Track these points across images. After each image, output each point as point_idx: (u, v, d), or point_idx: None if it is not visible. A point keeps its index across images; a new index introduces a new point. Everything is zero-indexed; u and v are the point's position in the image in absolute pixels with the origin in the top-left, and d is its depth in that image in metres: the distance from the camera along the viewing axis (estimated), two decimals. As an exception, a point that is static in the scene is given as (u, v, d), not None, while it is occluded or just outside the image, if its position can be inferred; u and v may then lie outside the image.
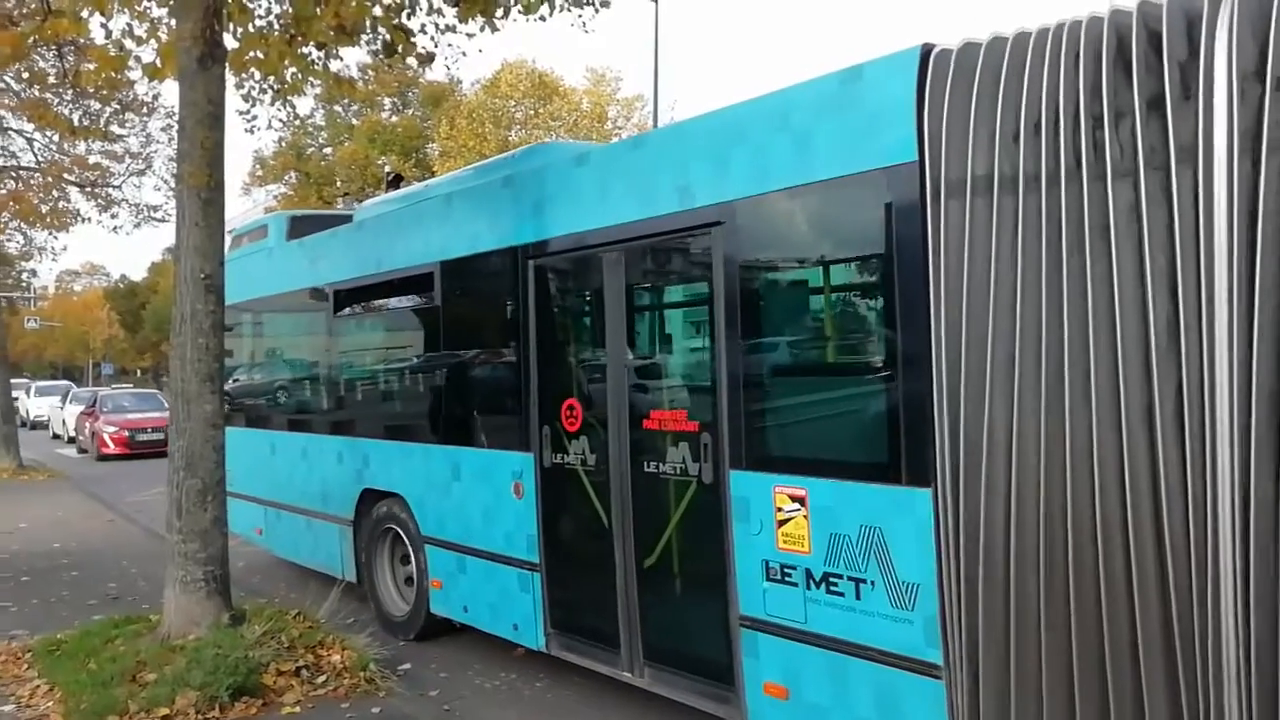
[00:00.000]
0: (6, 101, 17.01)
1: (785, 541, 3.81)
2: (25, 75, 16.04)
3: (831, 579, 3.65)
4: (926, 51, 3.34)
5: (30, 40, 7.56)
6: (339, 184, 33.65)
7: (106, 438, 19.65)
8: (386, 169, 29.93)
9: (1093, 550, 2.95)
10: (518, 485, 5.14)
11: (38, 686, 5.06)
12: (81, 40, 11.48)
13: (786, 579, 3.81)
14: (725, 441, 4.03)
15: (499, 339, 5.38)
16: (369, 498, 6.46)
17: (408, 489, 6.04)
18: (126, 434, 19.77)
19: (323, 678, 4.98)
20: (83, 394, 26.64)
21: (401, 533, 6.21)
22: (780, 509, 3.82)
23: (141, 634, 5.39)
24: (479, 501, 5.43)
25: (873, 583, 3.51)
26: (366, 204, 7.10)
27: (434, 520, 5.83)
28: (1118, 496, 2.91)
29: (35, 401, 32.50)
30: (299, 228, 7.52)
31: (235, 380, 8.50)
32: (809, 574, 3.72)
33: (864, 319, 3.77)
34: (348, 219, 7.36)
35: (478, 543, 5.45)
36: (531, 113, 30.55)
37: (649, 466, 4.43)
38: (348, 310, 6.84)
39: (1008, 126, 3.14)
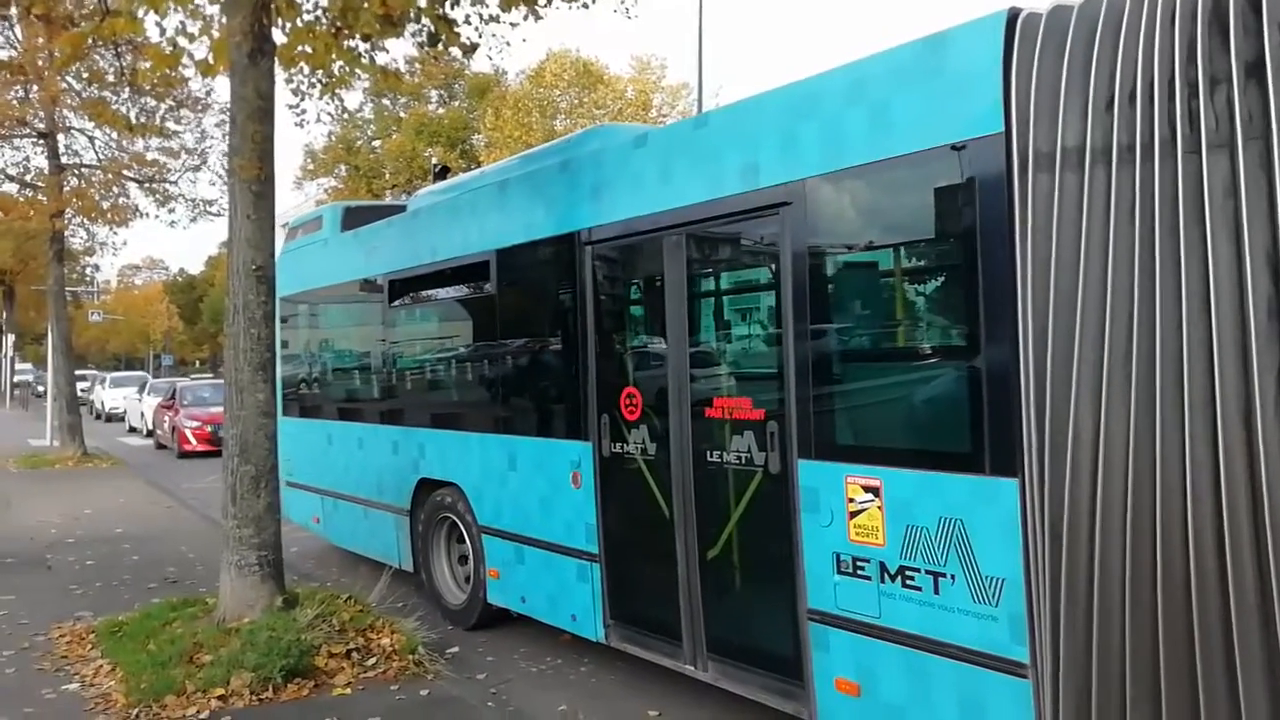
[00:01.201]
0: (69, 101, 17.15)
1: (858, 533, 3.64)
2: (85, 75, 16.37)
3: (908, 572, 3.48)
4: (1014, 15, 3.14)
5: (89, 40, 7.68)
6: (387, 176, 33.92)
7: (188, 433, 18.15)
8: (434, 161, 30.03)
9: (1183, 548, 2.76)
10: (576, 475, 5.03)
11: (100, 666, 5.15)
12: (138, 39, 11.62)
13: (859, 572, 3.64)
14: (793, 430, 3.87)
15: (556, 327, 5.27)
16: (425, 487, 6.41)
17: (464, 478, 5.97)
18: (210, 429, 17.81)
19: (372, 660, 5.01)
20: (160, 385, 24.34)
21: (458, 522, 6.14)
22: (852, 500, 3.65)
23: (198, 616, 5.49)
24: (536, 491, 5.33)
25: (953, 577, 3.33)
26: (420, 193, 7.05)
27: (491, 510, 5.75)
28: (1211, 491, 2.71)
29: (110, 393, 30.74)
30: (353, 219, 7.48)
31: (292, 371, 8.53)
32: (883, 567, 3.56)
33: (944, 301, 3.58)
34: (401, 210, 7.31)
35: (535, 532, 5.36)
36: (576, 102, 30.45)
37: (712, 456, 4.28)
38: (403, 300, 6.78)
39: (1100, 95, 2.93)
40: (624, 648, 4.86)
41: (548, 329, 5.37)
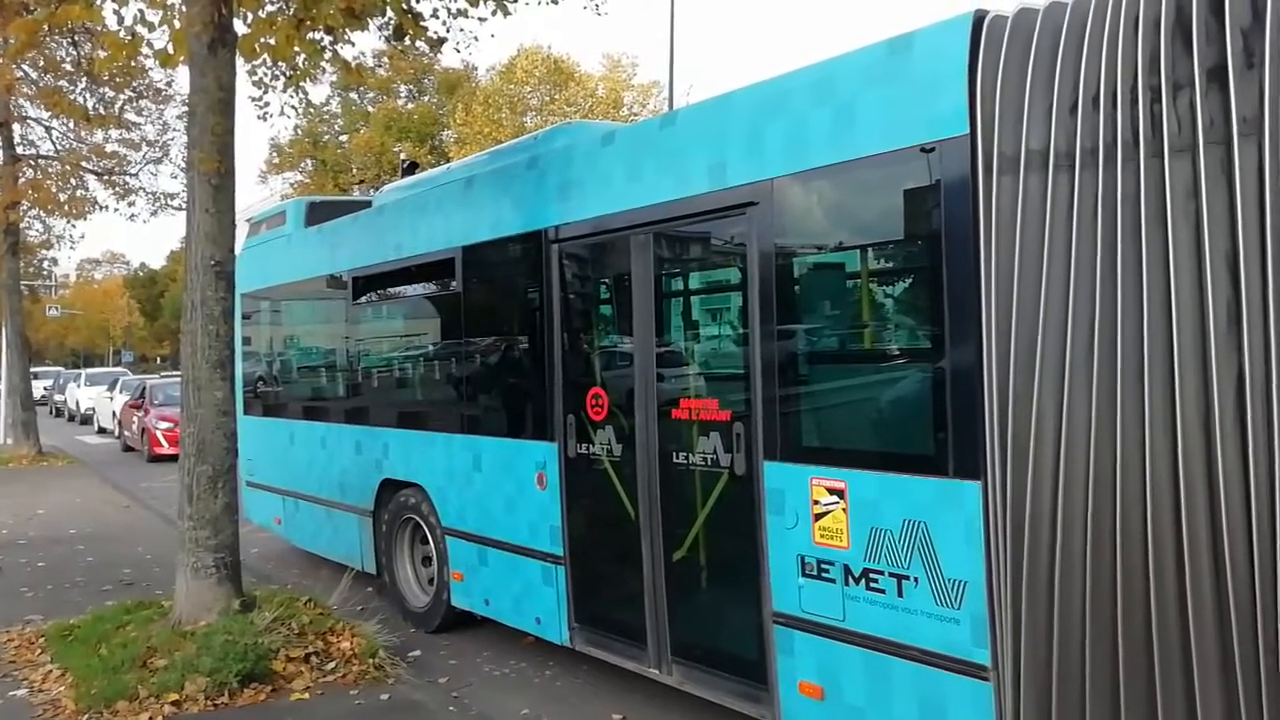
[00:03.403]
0: (25, 90, 16.89)
1: (822, 536, 3.64)
2: (41, 63, 16.05)
3: (872, 575, 3.48)
4: (980, 18, 3.15)
5: (44, 28, 7.60)
6: (355, 172, 33.59)
7: (159, 434, 16.58)
8: (402, 156, 29.79)
9: (1142, 551, 2.79)
10: (541, 476, 4.99)
11: (50, 671, 5.04)
12: (95, 27, 11.38)
13: (823, 575, 3.64)
14: (759, 432, 3.86)
15: (522, 326, 5.23)
16: (388, 488, 6.34)
17: (428, 479, 5.91)
18: None
19: (332, 664, 4.94)
20: (131, 382, 22.55)
21: (422, 524, 6.08)
22: (817, 502, 3.65)
23: (153, 620, 5.39)
24: (501, 492, 5.29)
25: (916, 579, 3.34)
26: (386, 189, 6.97)
27: (455, 511, 5.70)
28: (1170, 493, 2.75)
29: (85, 392, 27.74)
30: (317, 214, 7.38)
31: (253, 369, 8.40)
32: (848, 570, 3.56)
33: (909, 303, 3.59)
34: (366, 205, 7.22)
35: (500, 534, 5.32)
36: (547, 99, 30.34)
37: (678, 457, 4.27)
38: (367, 297, 6.71)
39: (1064, 98, 2.96)
40: (589, 651, 4.84)
41: (514, 328, 5.34)
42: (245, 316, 8.36)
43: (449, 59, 37.90)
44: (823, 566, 3.64)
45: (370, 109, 33.94)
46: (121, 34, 5.28)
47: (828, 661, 3.65)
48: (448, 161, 23.24)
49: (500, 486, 5.29)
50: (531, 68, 29.99)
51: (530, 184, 5.10)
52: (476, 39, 6.91)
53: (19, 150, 17.85)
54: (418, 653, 5.57)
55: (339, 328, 6.96)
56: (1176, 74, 2.74)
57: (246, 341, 8.43)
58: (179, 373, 5.67)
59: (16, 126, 17.56)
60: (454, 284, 5.65)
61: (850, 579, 3.55)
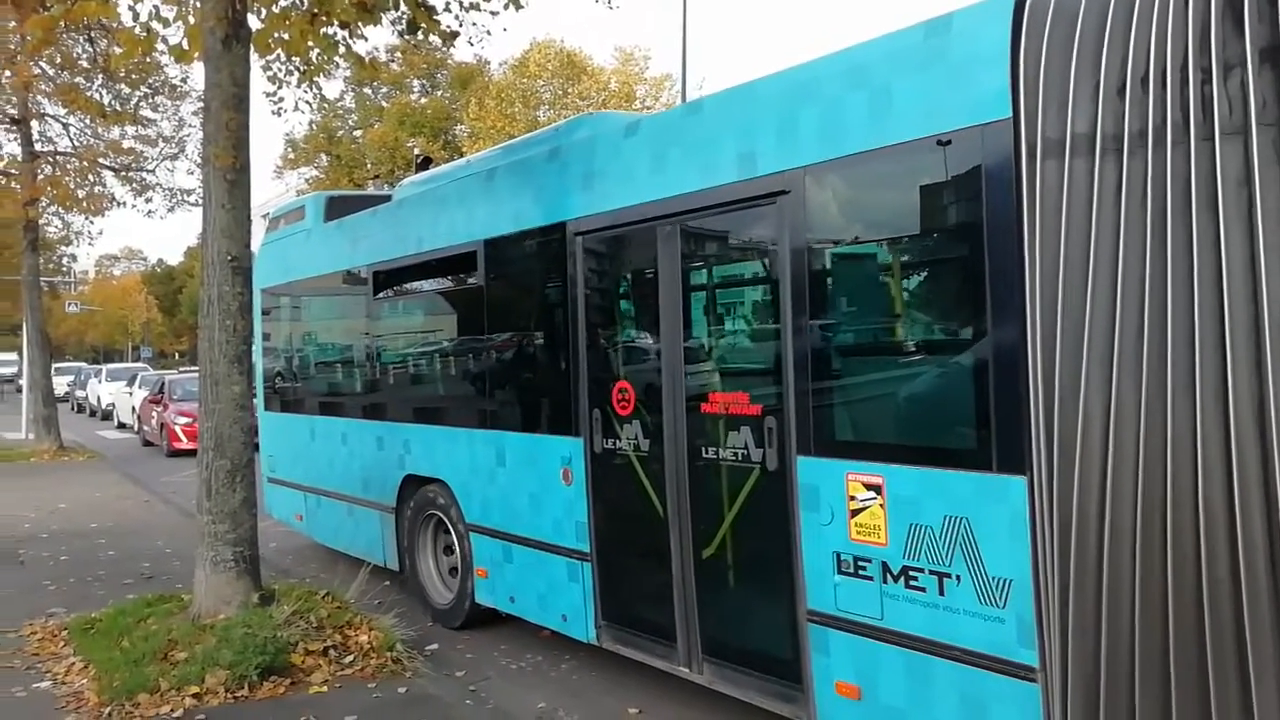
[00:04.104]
0: (43, 87, 16.82)
1: (859, 532, 3.54)
2: (58, 60, 16.05)
3: (911, 573, 3.38)
4: None
5: (61, 24, 7.56)
6: (369, 167, 33.55)
7: (178, 430, 16.55)
8: (416, 151, 29.74)
9: (1194, 548, 2.68)
10: (566, 471, 4.90)
11: (73, 664, 5.05)
12: (110, 24, 11.37)
13: (860, 572, 3.54)
14: (792, 426, 3.76)
15: (546, 319, 5.14)
16: (411, 484, 6.27)
17: (451, 475, 5.83)
18: None
19: (350, 657, 4.94)
20: (150, 378, 22.54)
21: (445, 520, 6.01)
22: (853, 498, 3.55)
23: (173, 613, 5.39)
24: (526, 488, 5.20)
25: (958, 577, 3.24)
26: (405, 183, 6.88)
27: (479, 507, 5.62)
28: (1224, 487, 2.63)
29: (107, 387, 27.29)
30: (336, 209, 7.31)
31: (274, 364, 8.34)
32: (885, 567, 3.46)
33: (948, 293, 3.47)
34: (385, 199, 7.14)
35: (525, 531, 5.23)
36: (560, 93, 30.23)
37: (707, 452, 4.17)
38: (388, 292, 6.62)
39: (1111, 80, 2.83)
40: (616, 649, 4.75)
41: (537, 321, 5.24)
42: (264, 312, 8.30)
43: (462, 53, 37.83)
44: (859, 564, 3.54)
45: (384, 104, 33.89)
46: (137, 30, 5.27)
47: (865, 661, 3.55)
48: (461, 156, 23.14)
49: (525, 482, 5.21)
50: (544, 61, 29.86)
51: (553, 176, 5.00)
52: (489, 33, 6.90)
53: (37, 147, 17.75)
54: (435, 646, 5.55)
55: (359, 323, 6.88)
56: (1227, 54, 2.63)
57: (266, 337, 8.38)
58: (197, 368, 5.63)
59: (35, 123, 17.51)
60: (476, 278, 5.56)
61: (889, 577, 3.45)
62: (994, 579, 3.14)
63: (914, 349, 3.53)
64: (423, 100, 33.96)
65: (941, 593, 3.29)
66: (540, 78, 30.13)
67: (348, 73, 24.60)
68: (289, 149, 35.39)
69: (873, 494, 3.49)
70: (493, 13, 6.00)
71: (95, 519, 9.82)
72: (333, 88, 36.30)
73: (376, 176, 32.32)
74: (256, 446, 5.86)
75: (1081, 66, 2.89)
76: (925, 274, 3.59)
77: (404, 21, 5.76)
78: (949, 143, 3.22)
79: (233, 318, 5.25)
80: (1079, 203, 2.90)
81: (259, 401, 8.43)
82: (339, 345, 7.46)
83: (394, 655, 5.00)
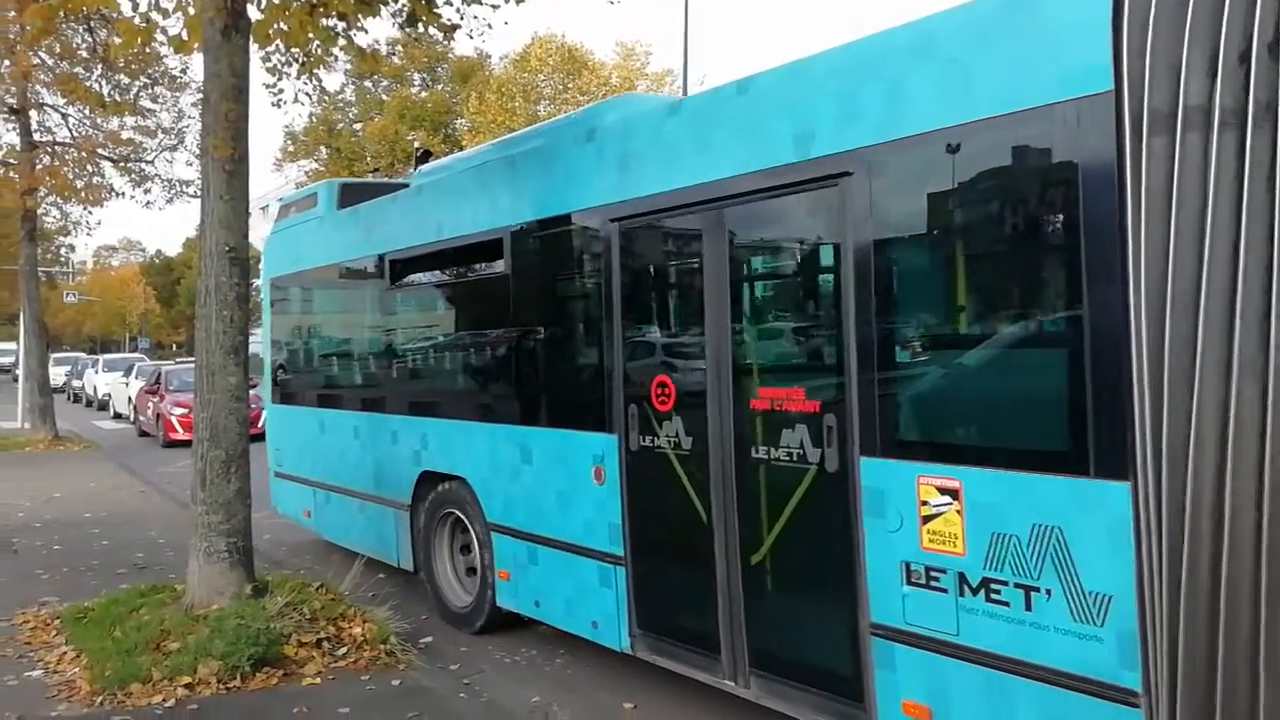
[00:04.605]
0: (42, 77, 16.62)
1: (931, 540, 3.23)
2: (57, 49, 15.76)
3: (993, 586, 3.07)
4: None
5: (60, 14, 7.39)
6: (369, 160, 33.09)
7: (174, 420, 16.28)
8: (416, 145, 29.31)
9: None
10: (598, 470, 4.58)
11: (65, 653, 4.97)
12: (110, 14, 11.13)
13: (933, 584, 3.23)
14: (854, 425, 3.44)
15: (578, 310, 4.81)
16: (427, 480, 5.93)
17: (472, 472, 5.50)
18: None
19: (343, 650, 4.86)
20: (147, 368, 22.17)
21: (464, 518, 5.67)
22: (925, 503, 3.23)
23: (166, 603, 5.33)
24: (553, 487, 4.87)
25: (1049, 592, 2.92)
26: (424, 168, 6.54)
27: (501, 506, 5.28)
28: None
29: (104, 378, 26.92)
30: (349, 196, 6.95)
31: (282, 356, 7.98)
32: (963, 579, 3.14)
33: (1038, 278, 3.15)
34: (399, 187, 6.81)
35: (552, 532, 4.90)
36: (560, 87, 29.86)
37: (757, 451, 3.85)
38: (405, 281, 6.26)
39: (1233, 46, 2.52)
40: (652, 659, 4.43)
41: (568, 313, 4.92)
42: (273, 302, 7.94)
43: (462, 47, 37.28)
44: (932, 574, 3.23)
45: (384, 97, 33.41)
46: (136, 20, 5.18)
47: (937, 679, 3.24)
48: (461, 150, 22.68)
49: (552, 480, 4.88)
50: (545, 56, 29.50)
51: (587, 159, 4.67)
52: (490, 26, 6.84)
53: (36, 137, 17.28)
54: (429, 639, 5.42)
55: (375, 313, 6.54)
56: None
57: (274, 328, 8.03)
58: (194, 359, 5.53)
59: (34, 113, 17.16)
60: (501, 267, 5.21)
61: (966, 589, 3.14)
62: (1091, 594, 2.83)
63: (998, 341, 3.21)
64: (423, 94, 33.49)
65: (1028, 608, 2.97)
66: (541, 72, 29.77)
67: (348, 65, 24.16)
68: (289, 141, 34.90)
69: (948, 499, 3.18)
70: (493, 6, 5.91)
71: (90, 509, 9.66)
72: (333, 80, 35.83)
73: (376, 170, 31.87)
74: (254, 438, 5.67)
75: (1197, 33, 2.58)
76: (1009, 258, 3.25)
77: (404, 14, 5.65)
78: (1037, 118, 2.91)
79: (230, 308, 5.17)
80: (1192, 182, 2.59)
81: (265, 394, 8.07)
82: (352, 336, 7.11)
83: (388, 648, 4.91)
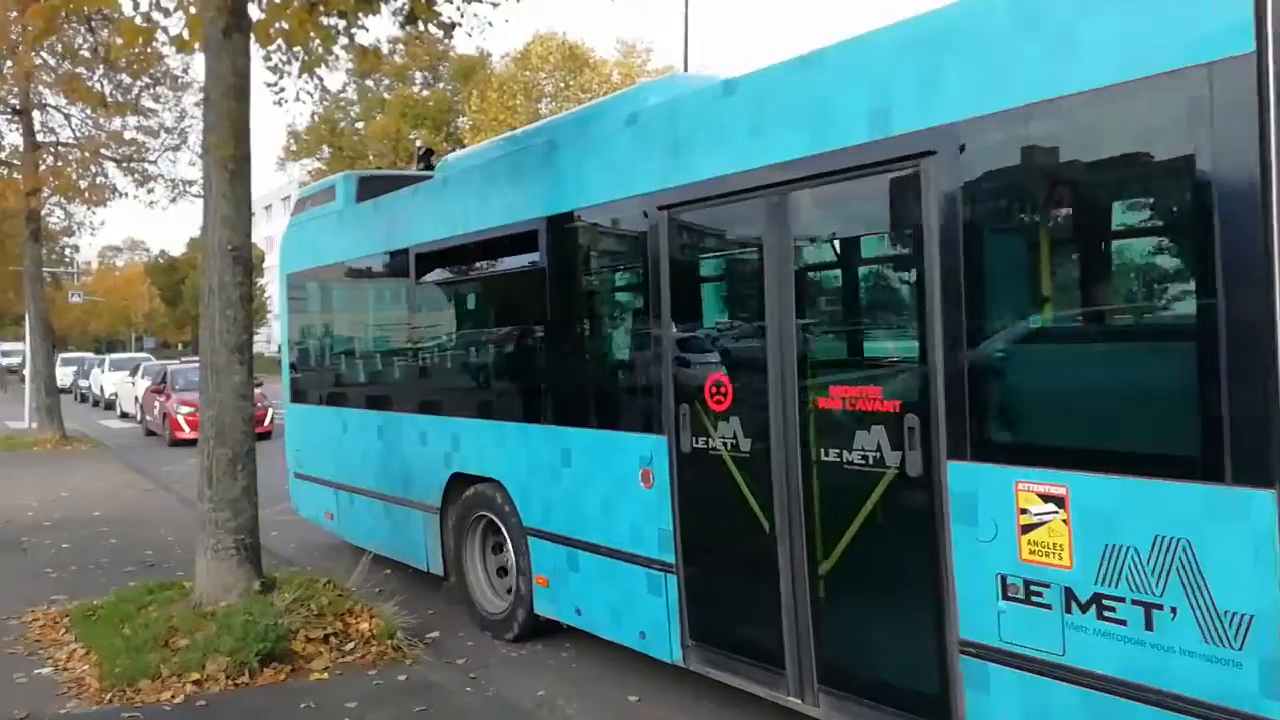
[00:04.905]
0: (44, 77, 16.37)
1: (1033, 552, 2.90)
2: (59, 49, 15.49)
3: (1107, 602, 2.74)
4: None
5: (62, 14, 7.39)
6: (371, 158, 32.64)
7: (181, 419, 16.05)
8: (418, 143, 28.89)
9: None
10: (646, 472, 4.24)
11: (74, 650, 4.93)
12: (111, 14, 10.89)
13: (1034, 599, 2.90)
14: (940, 425, 3.11)
15: (622, 304, 4.49)
16: (458, 483, 5.59)
17: (507, 474, 5.16)
18: None
19: (351, 645, 4.80)
20: (153, 368, 21.92)
21: (499, 522, 5.33)
22: (1025, 511, 2.91)
23: (174, 600, 5.26)
24: (597, 490, 4.54)
25: (1174, 610, 2.60)
26: (450, 158, 6.19)
27: (539, 510, 4.95)
28: None
29: (110, 377, 26.54)
30: (368, 188, 6.60)
31: (301, 354, 7.62)
32: (1070, 594, 2.82)
33: (1163, 260, 2.83)
34: (419, 179, 6.47)
35: (595, 537, 4.57)
36: (562, 85, 29.50)
37: (827, 454, 3.51)
38: (432, 275, 5.90)
39: None
40: (706, 672, 4.10)
41: (610, 307, 4.59)
42: (290, 299, 7.58)
43: (463, 45, 36.79)
44: (1033, 589, 2.90)
45: (386, 96, 32.94)
46: (137, 20, 5.14)
47: (1037, 702, 2.91)
48: (463, 148, 22.23)
49: (595, 483, 4.55)
50: (546, 54, 29.17)
51: (629, 144, 4.33)
52: (490, 24, 6.91)
53: (39, 137, 16.98)
54: (436, 634, 5.34)
55: (399, 309, 6.19)
56: None
57: (292, 326, 7.67)
58: (199, 358, 5.46)
59: (36, 114, 16.90)
60: (537, 258, 4.87)
61: (1074, 605, 2.81)
62: (1227, 614, 2.50)
63: (1114, 333, 2.88)
64: (425, 92, 33.06)
65: (1149, 627, 2.65)
66: (542, 70, 29.43)
67: (350, 64, 23.69)
68: (291, 140, 34.41)
69: (1053, 507, 2.85)
70: (493, 3, 5.87)
71: (98, 507, 9.52)
72: (335, 79, 35.40)
73: (379, 169, 31.44)
74: (260, 436, 5.57)
75: None
76: (1129, 241, 2.92)
77: (404, 12, 5.58)
78: (1158, 87, 2.58)
79: (233, 307, 5.11)
80: None
81: (284, 393, 7.72)
82: (375, 333, 6.77)
83: (394, 643, 4.84)
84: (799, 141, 3.54)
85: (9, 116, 16.72)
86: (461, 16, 5.83)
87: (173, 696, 4.23)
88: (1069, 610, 2.82)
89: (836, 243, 3.76)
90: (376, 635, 4.87)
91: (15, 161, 17.08)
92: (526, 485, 5.01)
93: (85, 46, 15.23)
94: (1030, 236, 3.08)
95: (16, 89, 16.12)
